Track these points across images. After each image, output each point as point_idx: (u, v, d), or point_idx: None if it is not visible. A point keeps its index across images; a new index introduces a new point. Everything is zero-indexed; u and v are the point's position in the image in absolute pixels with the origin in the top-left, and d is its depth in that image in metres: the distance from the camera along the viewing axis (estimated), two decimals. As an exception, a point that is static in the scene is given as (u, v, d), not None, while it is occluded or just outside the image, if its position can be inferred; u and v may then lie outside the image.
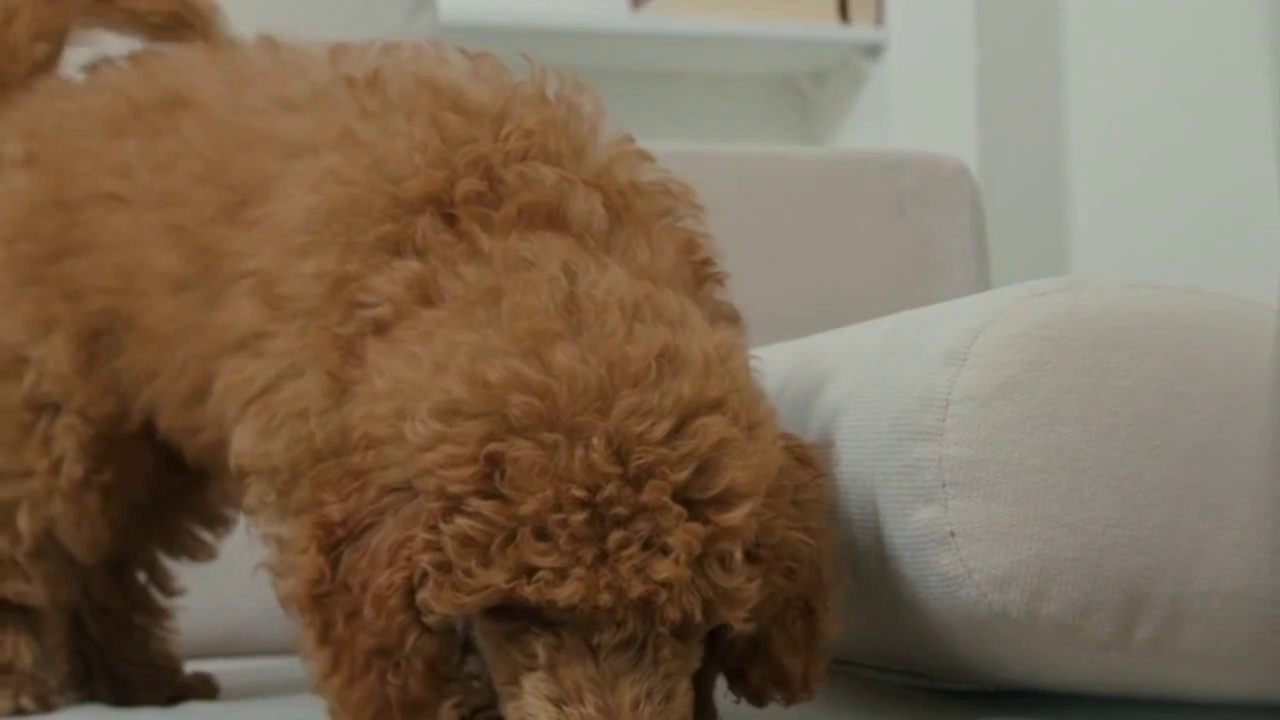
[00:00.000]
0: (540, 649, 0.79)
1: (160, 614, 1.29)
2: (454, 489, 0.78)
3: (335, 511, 0.83)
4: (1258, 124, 2.02)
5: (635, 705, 0.78)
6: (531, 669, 0.80)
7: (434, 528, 0.79)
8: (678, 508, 0.76)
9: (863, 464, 0.89)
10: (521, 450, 0.77)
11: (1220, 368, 0.85)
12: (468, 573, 0.78)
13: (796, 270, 1.69)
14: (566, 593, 0.76)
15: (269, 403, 0.92)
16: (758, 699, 0.87)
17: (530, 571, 0.76)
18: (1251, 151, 2.26)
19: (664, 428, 0.77)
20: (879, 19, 2.88)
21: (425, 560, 0.79)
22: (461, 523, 0.78)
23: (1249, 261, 2.18)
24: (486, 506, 0.77)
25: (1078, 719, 0.88)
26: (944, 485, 0.83)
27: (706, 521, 0.77)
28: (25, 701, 1.17)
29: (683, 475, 0.77)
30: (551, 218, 0.89)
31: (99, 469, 1.14)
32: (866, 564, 0.89)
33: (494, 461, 0.78)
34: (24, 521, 1.15)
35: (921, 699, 1.00)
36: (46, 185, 1.13)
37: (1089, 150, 2.87)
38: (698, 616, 0.78)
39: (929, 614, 0.86)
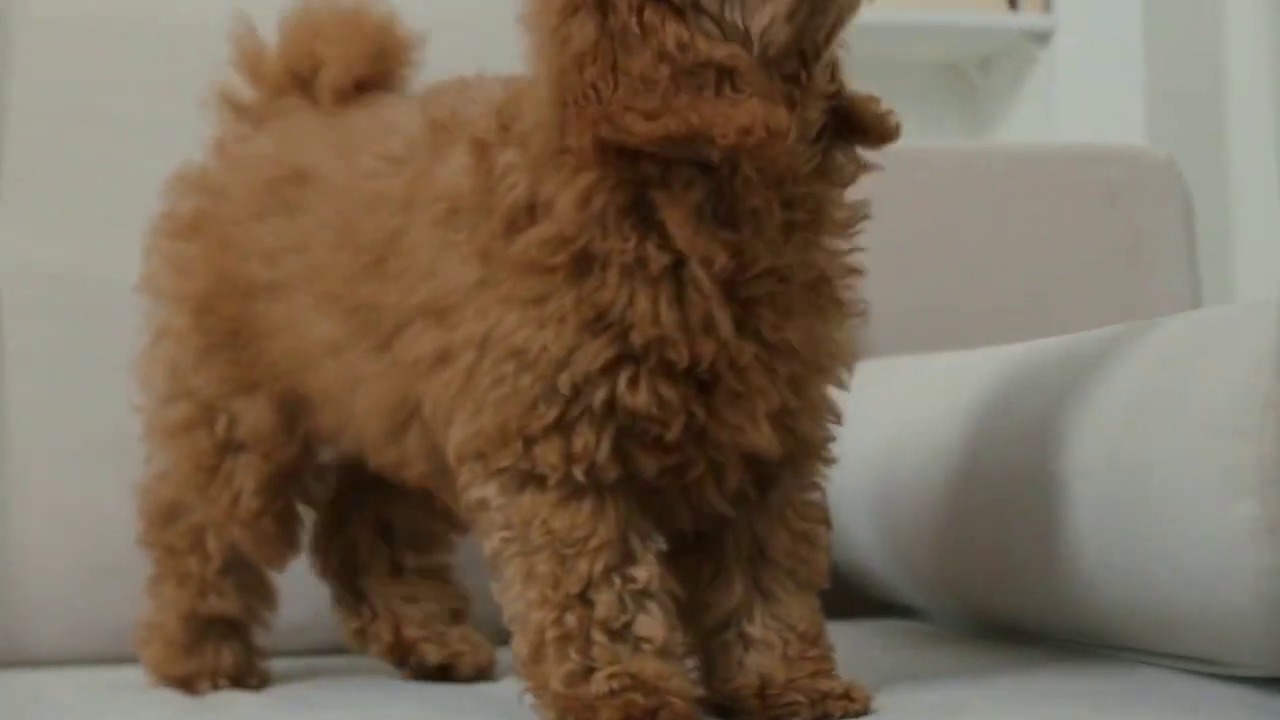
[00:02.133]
0: None
1: (427, 573, 1.35)
2: None
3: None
4: None
5: None
6: None
7: None
8: None
9: (1173, 463, 0.93)
10: None
11: None
12: None
13: (1006, 264, 1.72)
14: None
15: (471, 388, 0.98)
16: None
17: None
18: None
19: None
20: (1047, 5, 2.90)
21: None
22: None
23: None
24: None
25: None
26: (1262, 483, 0.88)
27: None
28: (221, 683, 1.27)
29: None
30: None
31: (274, 500, 1.24)
32: (1176, 558, 0.94)
33: None
34: (211, 543, 1.26)
35: (1218, 686, 1.04)
36: (216, 263, 1.22)
37: (1254, 133, 2.86)
38: None
39: (1241, 605, 0.91)
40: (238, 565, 1.27)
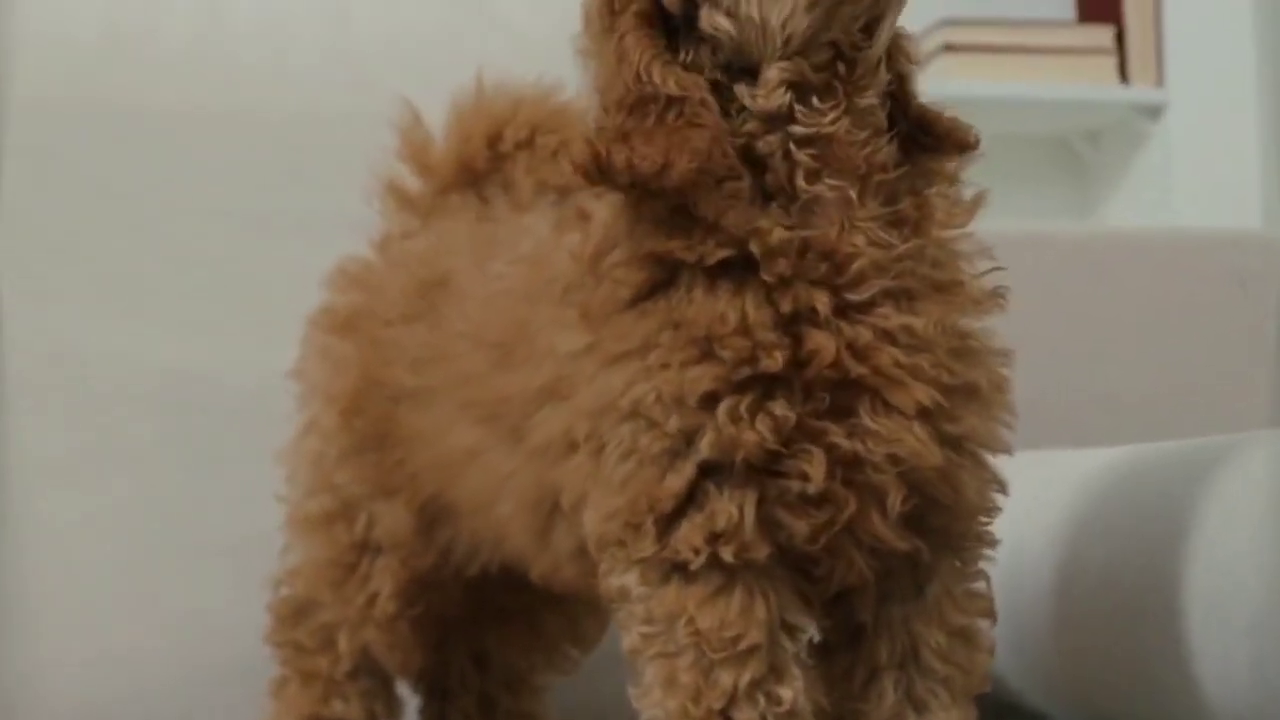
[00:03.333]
0: None
1: (515, 717, 1.33)
2: None
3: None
4: None
5: None
6: None
7: None
8: None
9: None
10: None
11: None
12: None
13: (1136, 348, 1.68)
14: None
15: (599, 465, 0.93)
16: None
17: None
18: None
19: None
20: (1159, 79, 2.85)
21: None
22: None
23: None
24: None
25: None
26: None
27: None
28: None
29: None
30: None
31: (411, 604, 1.22)
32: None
33: None
34: (343, 643, 1.23)
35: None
36: (366, 363, 1.20)
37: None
38: None
39: None
40: (367, 670, 1.24)
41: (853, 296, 0.89)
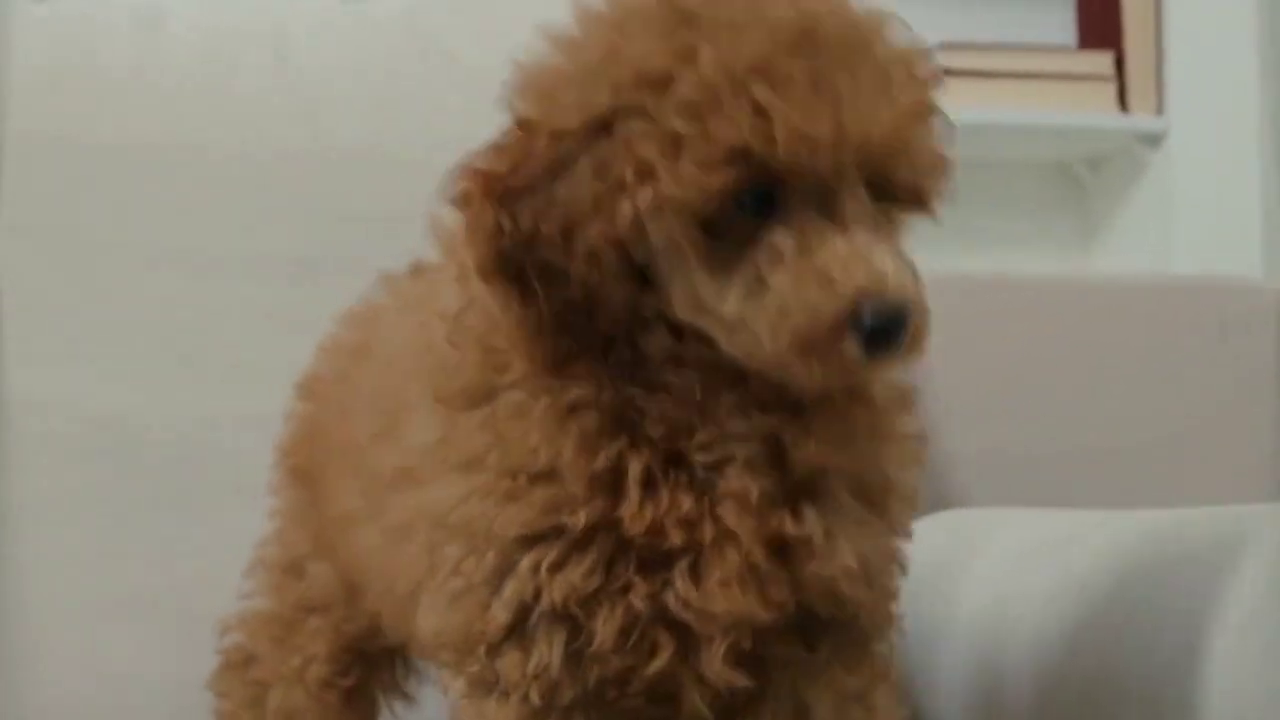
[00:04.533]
0: (784, 238, 0.76)
1: None
2: (655, 63, 0.75)
3: (498, 163, 0.78)
4: None
5: (897, 268, 0.76)
6: (779, 260, 0.76)
7: (645, 114, 0.75)
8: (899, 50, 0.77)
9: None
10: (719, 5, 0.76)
11: None
12: (703, 135, 0.74)
13: (1116, 396, 1.65)
14: (816, 129, 0.73)
15: (432, 570, 0.90)
16: None
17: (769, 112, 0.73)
18: None
19: None
20: (1159, 107, 2.80)
21: (649, 152, 0.75)
22: (679, 90, 0.75)
23: None
24: (705, 60, 0.74)
25: None
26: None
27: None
28: None
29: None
30: None
31: (345, 674, 1.19)
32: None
33: (690, 23, 0.76)
34: (272, 700, 1.20)
35: None
36: (311, 423, 1.18)
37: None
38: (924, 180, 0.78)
39: None
40: None
41: (699, 457, 0.85)
